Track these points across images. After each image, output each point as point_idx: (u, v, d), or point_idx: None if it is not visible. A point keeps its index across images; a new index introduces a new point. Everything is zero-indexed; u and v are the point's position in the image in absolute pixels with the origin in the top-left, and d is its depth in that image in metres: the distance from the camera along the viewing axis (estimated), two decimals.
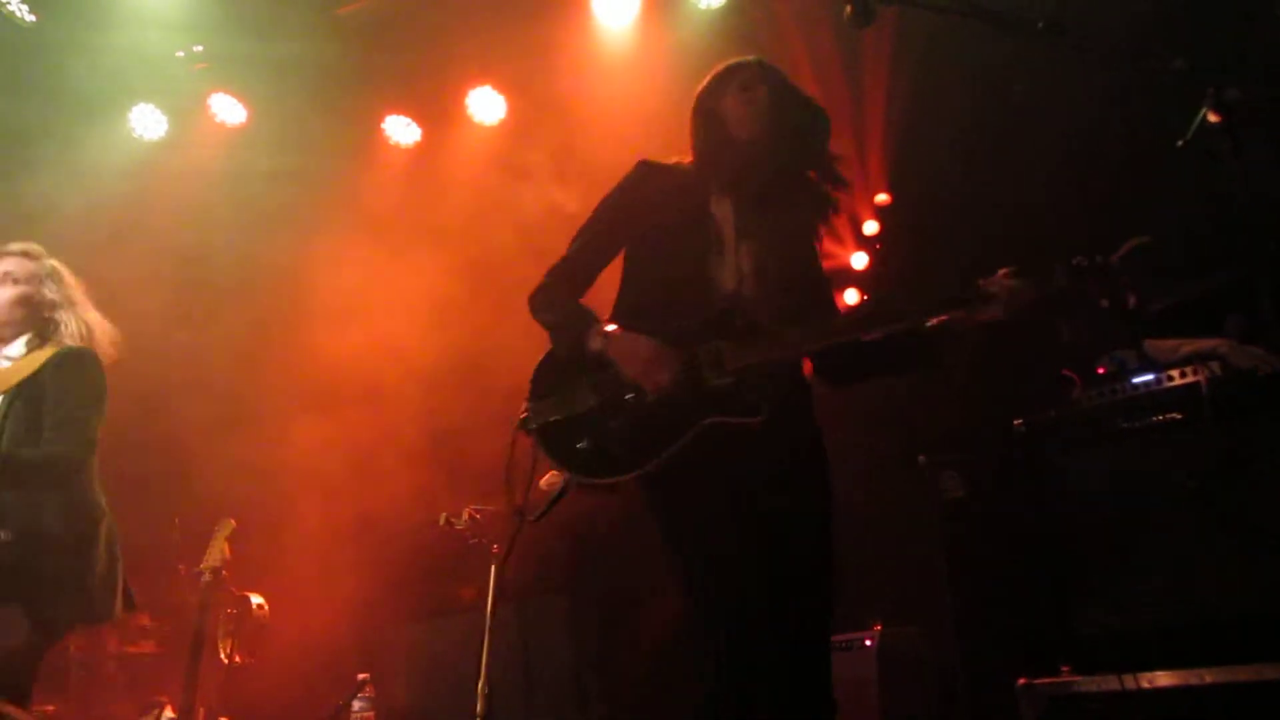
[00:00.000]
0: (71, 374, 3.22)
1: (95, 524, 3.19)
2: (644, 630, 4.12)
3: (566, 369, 2.61)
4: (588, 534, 4.23)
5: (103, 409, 3.25)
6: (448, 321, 5.10)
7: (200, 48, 5.77)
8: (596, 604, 4.17)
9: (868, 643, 4.17)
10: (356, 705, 4.20)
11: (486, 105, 5.94)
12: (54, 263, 3.43)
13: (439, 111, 5.98)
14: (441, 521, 4.20)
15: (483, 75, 5.86)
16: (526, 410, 2.66)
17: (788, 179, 2.66)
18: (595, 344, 2.54)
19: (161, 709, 4.48)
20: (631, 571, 4.22)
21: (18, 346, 3.30)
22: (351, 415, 5.05)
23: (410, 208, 5.66)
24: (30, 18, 5.35)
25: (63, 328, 3.32)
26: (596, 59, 5.55)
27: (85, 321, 3.38)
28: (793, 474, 2.53)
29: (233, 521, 4.72)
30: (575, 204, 5.31)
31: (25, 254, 3.40)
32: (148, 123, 5.99)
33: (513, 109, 5.90)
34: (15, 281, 3.33)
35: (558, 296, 2.70)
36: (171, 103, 5.95)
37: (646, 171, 2.73)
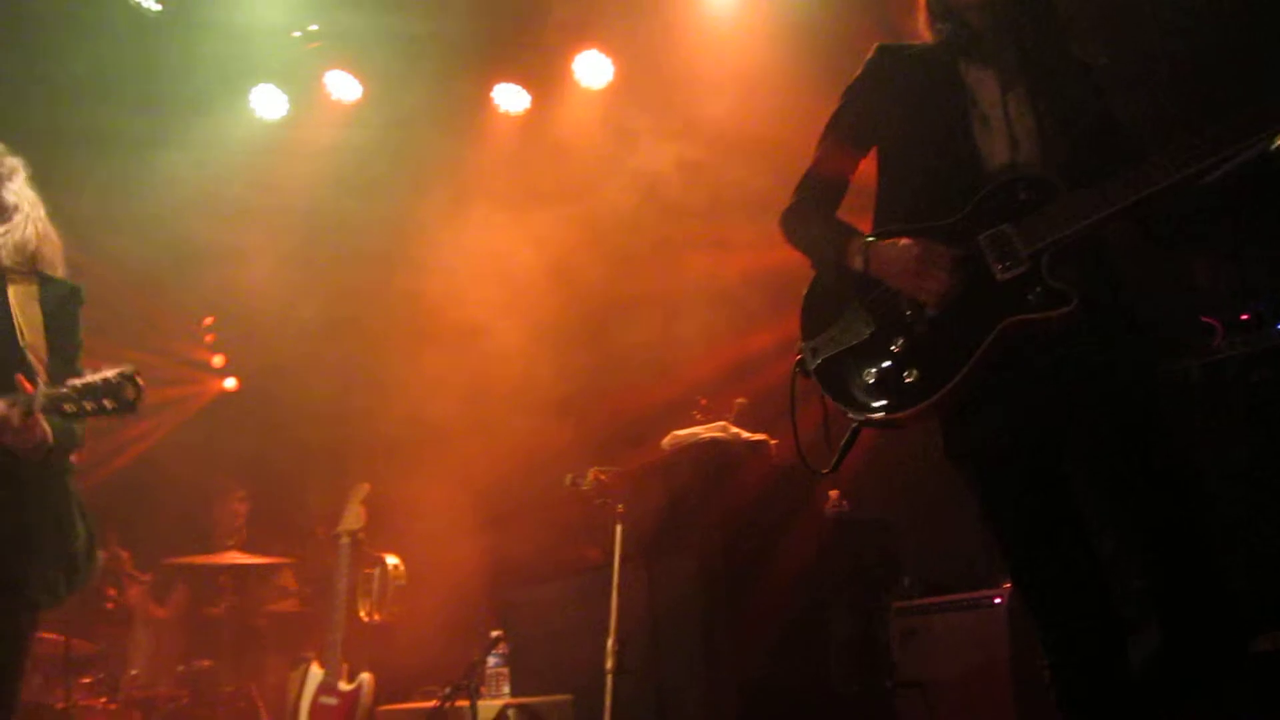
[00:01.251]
0: (76, 317, 2.85)
1: (67, 479, 2.82)
2: (773, 592, 4.14)
3: (835, 296, 2.30)
4: (714, 493, 4.25)
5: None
6: (569, 283, 5.14)
7: (315, 26, 5.91)
8: (725, 563, 4.19)
9: (997, 600, 4.11)
10: (491, 661, 4.33)
11: (593, 69, 5.95)
12: (15, 159, 2.97)
13: (547, 77, 6.02)
14: (567, 483, 4.27)
15: (588, 39, 5.87)
16: (801, 352, 2.34)
17: (1039, 15, 2.22)
18: (856, 262, 2.22)
19: (309, 664, 4.69)
20: (762, 532, 4.24)
21: None
22: (477, 379, 5.15)
23: (523, 173, 5.73)
24: (156, 6, 5.55)
25: (30, 232, 2.86)
26: (700, 17, 5.50)
27: (42, 234, 2.92)
28: (1117, 367, 2.11)
29: (367, 485, 4.89)
30: (684, 162, 5.32)
31: None
32: (268, 102, 6.18)
33: (619, 71, 5.90)
34: None
35: (808, 216, 2.40)
36: (290, 82, 6.12)
37: (885, 54, 2.37)
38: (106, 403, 2.47)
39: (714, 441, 4.41)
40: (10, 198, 2.87)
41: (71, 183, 3.10)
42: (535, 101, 6.15)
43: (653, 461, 4.51)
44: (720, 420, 4.51)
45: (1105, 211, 2.04)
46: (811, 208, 2.41)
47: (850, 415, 2.26)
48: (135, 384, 2.47)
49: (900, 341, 2.18)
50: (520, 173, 5.72)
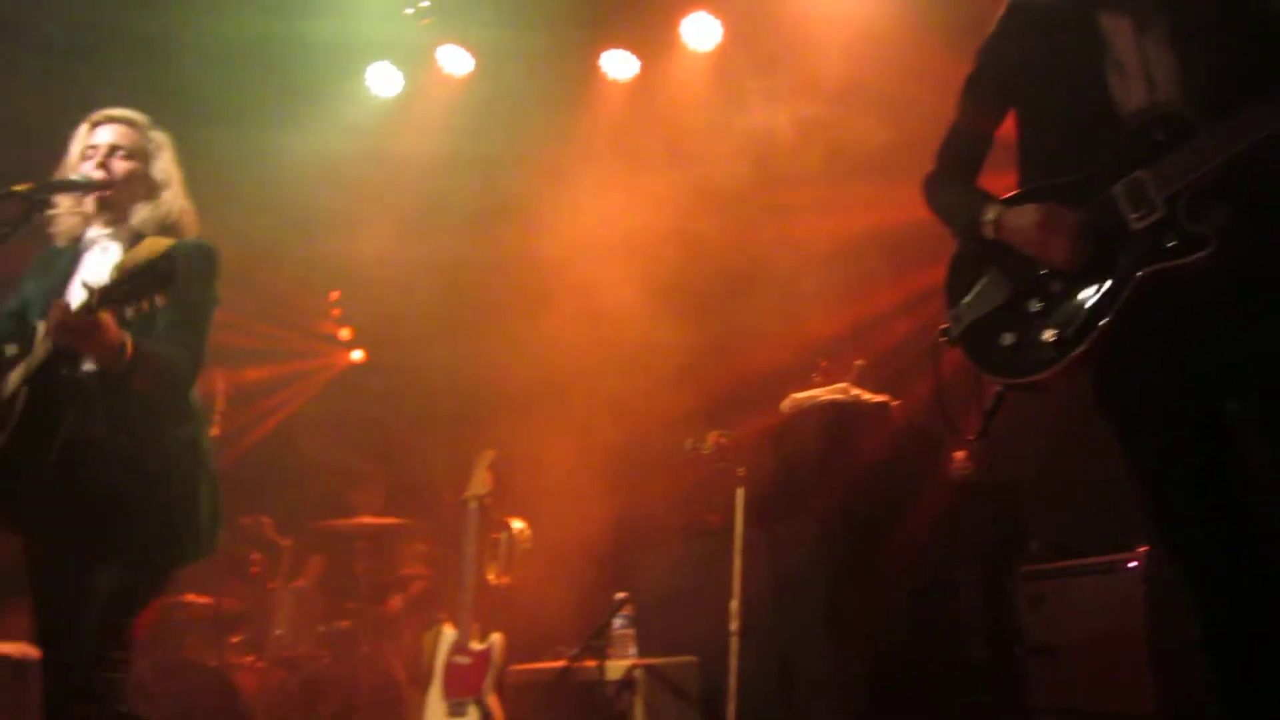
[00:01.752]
0: (196, 275, 2.82)
1: (198, 445, 2.85)
2: (898, 555, 4.12)
3: (974, 262, 2.32)
4: (835, 455, 4.23)
5: (211, 310, 2.90)
6: (685, 247, 5.12)
7: (426, 2, 6.01)
8: (848, 526, 4.18)
9: (1132, 564, 3.98)
10: (617, 623, 4.40)
11: (702, 31, 5.90)
12: (160, 133, 3.02)
13: (655, 42, 5.99)
14: (688, 447, 4.30)
15: (696, 1, 5.82)
16: (947, 321, 2.36)
17: None
18: (987, 230, 2.24)
19: (441, 625, 4.85)
20: (885, 495, 4.21)
21: (128, 234, 2.89)
22: (596, 345, 5.19)
23: (635, 139, 5.73)
24: None
25: (174, 208, 2.93)
26: None
27: (185, 202, 2.98)
28: (1266, 312, 2.01)
29: (493, 451, 5.01)
30: (799, 121, 5.24)
31: (129, 122, 2.98)
32: (383, 80, 6.31)
33: (728, 32, 5.84)
34: (125, 156, 2.92)
35: (946, 183, 2.42)
36: (404, 58, 6.24)
37: (1017, 11, 2.33)
38: (151, 281, 2.45)
39: (834, 404, 4.38)
40: (158, 174, 2.95)
41: (198, 157, 3.19)
42: (644, 67, 6.13)
43: (772, 425, 4.50)
44: (840, 382, 4.47)
45: (1249, 138, 1.94)
46: (951, 174, 2.41)
47: (994, 380, 2.26)
48: (170, 258, 2.48)
49: (1037, 303, 2.19)
50: (632, 139, 5.73)
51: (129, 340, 2.57)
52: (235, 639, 5.42)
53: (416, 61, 6.22)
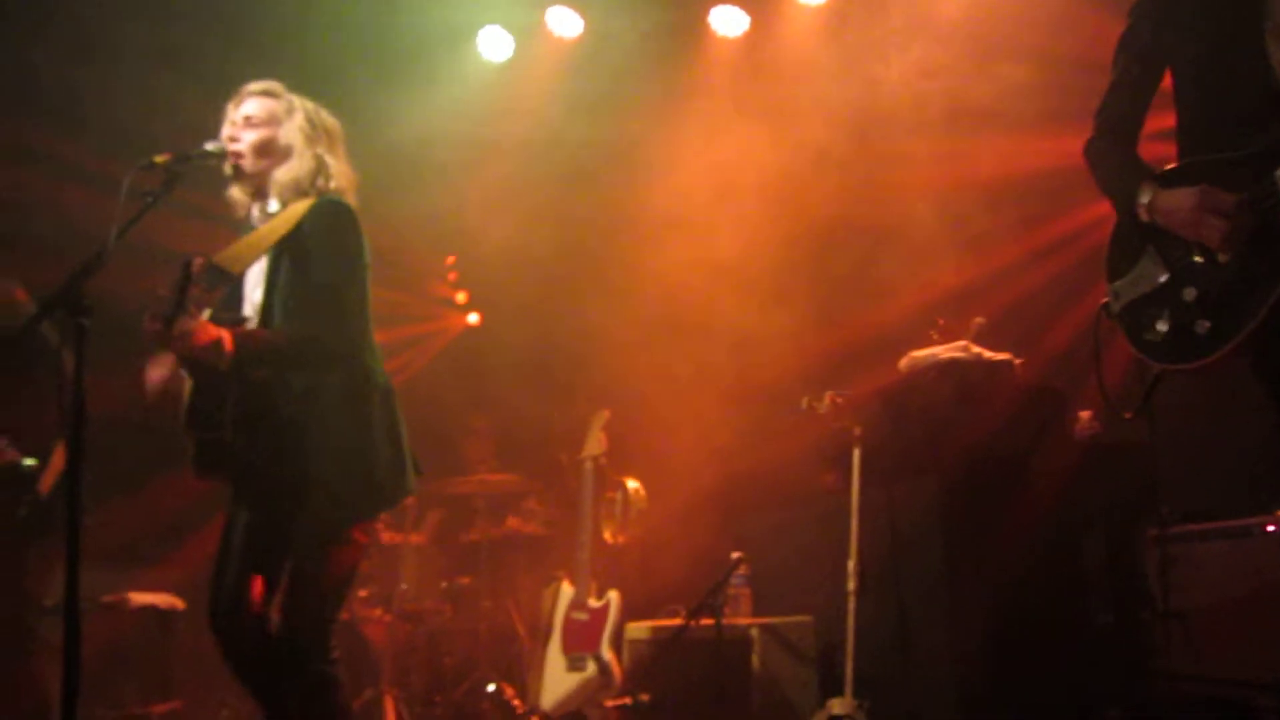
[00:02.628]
0: (324, 232, 2.88)
1: (370, 402, 2.92)
2: (1021, 516, 4.03)
3: (1134, 239, 2.29)
4: (955, 414, 4.15)
5: (359, 269, 2.93)
6: (801, 203, 5.03)
7: None
8: (968, 487, 4.10)
9: (1270, 528, 3.82)
10: (733, 582, 4.42)
11: None
12: (296, 99, 3.06)
13: None
14: (803, 406, 4.27)
15: None
16: (1109, 294, 2.34)
17: None
18: (1142, 213, 2.20)
19: (560, 582, 4.95)
20: (1007, 455, 4.12)
21: (274, 201, 2.99)
22: (711, 304, 5.17)
23: (747, 94, 5.65)
24: None
25: (301, 171, 2.96)
26: None
27: (327, 165, 3.01)
28: None
29: (607, 412, 5.07)
30: (915, 72, 5.10)
31: (265, 93, 3.04)
32: (494, 44, 6.37)
33: None
34: (256, 124, 2.98)
35: (1105, 153, 2.36)
36: (514, 22, 6.28)
37: None
38: (190, 292, 2.56)
39: (954, 362, 4.29)
40: (284, 139, 2.99)
41: None
42: (754, 23, 6.04)
43: (890, 383, 4.43)
44: (959, 340, 4.37)
45: None
46: (1109, 142, 2.36)
47: (1149, 362, 2.24)
48: (192, 262, 2.58)
49: (1191, 291, 2.16)
50: (743, 94, 5.65)
51: (225, 338, 2.65)
52: (364, 593, 5.62)
53: (526, 24, 6.25)
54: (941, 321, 4.46)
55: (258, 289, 2.93)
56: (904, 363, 4.43)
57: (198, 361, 2.72)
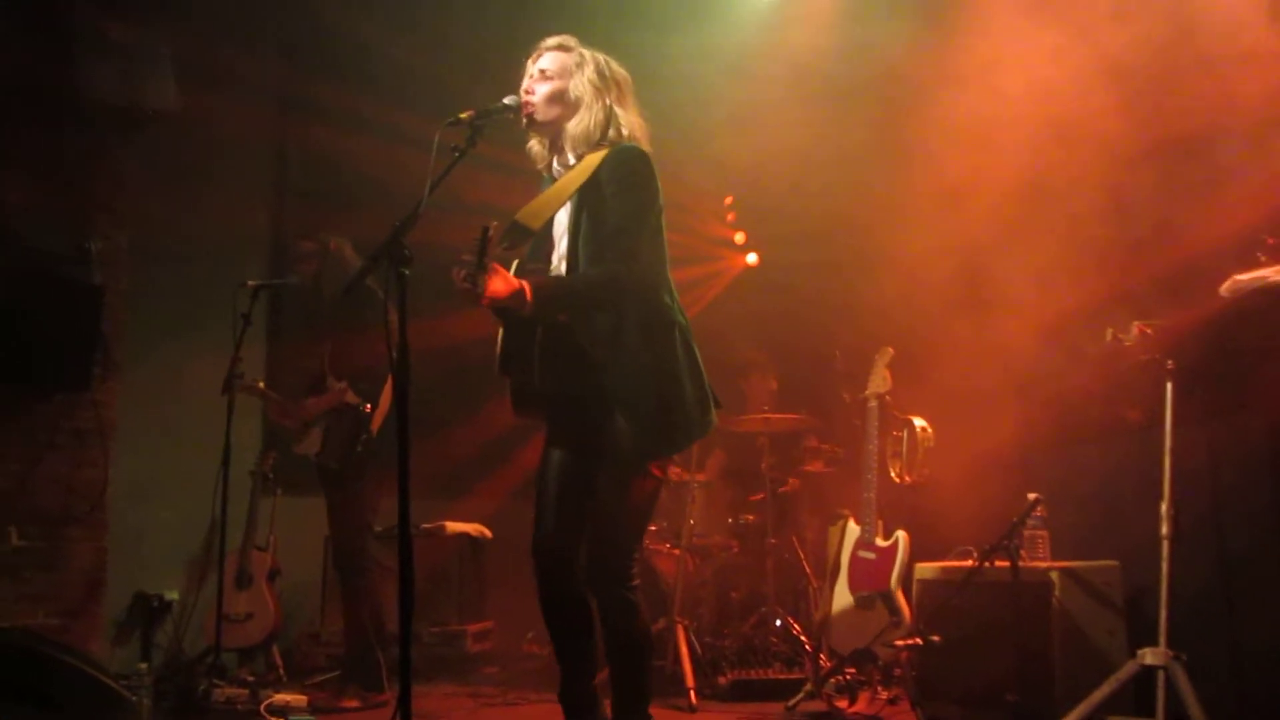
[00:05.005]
0: (618, 178, 2.96)
1: (672, 340, 3.00)
2: None
3: None
4: None
5: (653, 211, 3.02)
6: (1104, 114, 4.60)
7: None
8: None
9: None
10: (1030, 524, 4.23)
11: None
12: (589, 53, 3.15)
13: None
14: (1108, 338, 3.97)
15: None
16: None
17: None
18: None
19: (846, 520, 4.93)
20: None
21: (570, 155, 3.10)
22: (1007, 232, 4.86)
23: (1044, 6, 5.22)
24: None
25: (591, 123, 3.06)
26: None
27: (617, 116, 3.09)
28: None
29: (891, 349, 4.96)
30: None
31: (560, 47, 3.15)
32: None
33: None
34: (549, 77, 3.09)
35: None
36: None
37: None
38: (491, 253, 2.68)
39: None
40: (574, 90, 3.09)
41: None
42: None
43: (1209, 311, 4.04)
44: None
45: None
46: None
47: None
48: (488, 227, 2.68)
49: None
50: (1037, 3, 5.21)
51: (525, 287, 2.79)
52: (653, 527, 5.85)
53: None
54: (1270, 241, 4.00)
55: (563, 238, 3.07)
56: (1226, 287, 4.00)
57: (505, 310, 2.91)
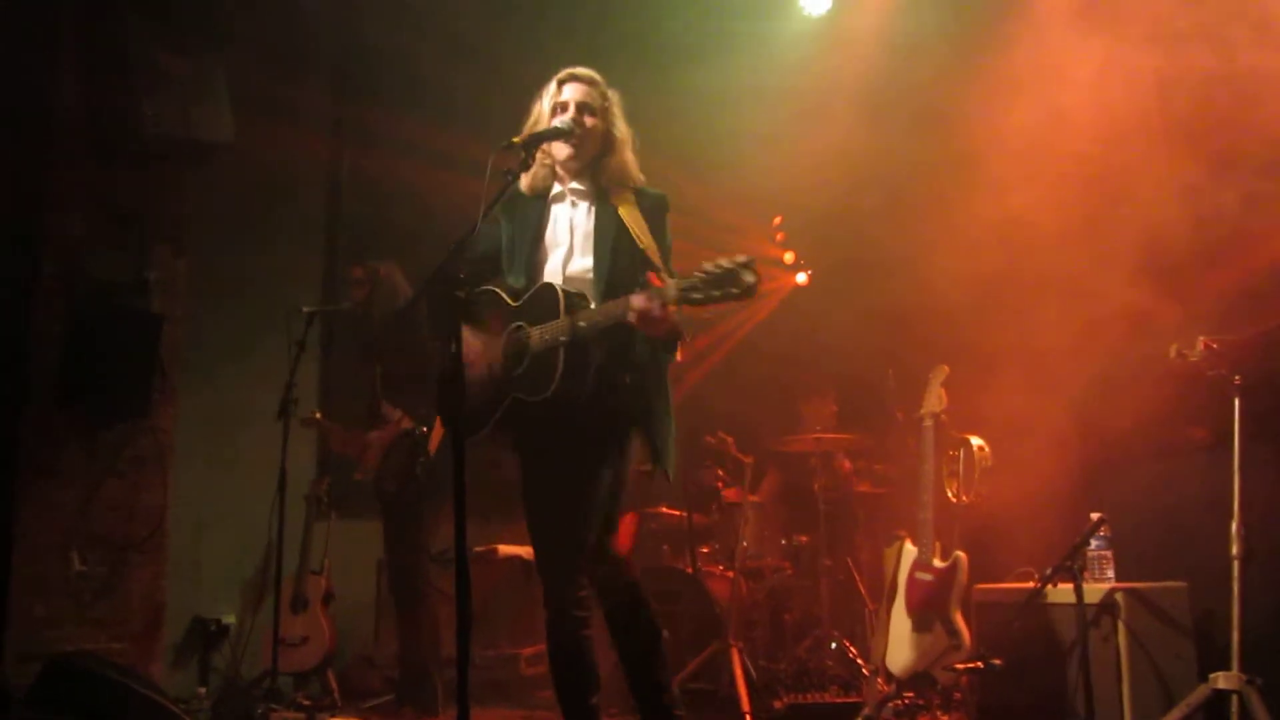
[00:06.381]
0: (663, 220, 3.21)
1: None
2: None
3: None
4: None
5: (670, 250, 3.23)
6: (1163, 117, 4.50)
7: None
8: None
9: None
10: (1093, 544, 4.14)
11: None
12: (614, 94, 3.28)
13: None
14: (1172, 354, 3.88)
15: None
16: None
17: None
18: None
19: (902, 541, 4.85)
20: None
21: (585, 183, 3.24)
22: (1061, 244, 4.76)
23: (1091, 15, 5.13)
24: None
25: (630, 163, 3.23)
26: None
27: (631, 160, 3.27)
28: None
29: (946, 368, 4.88)
30: None
31: (591, 81, 3.24)
32: None
33: None
34: (594, 112, 3.19)
35: None
36: None
37: None
38: (732, 289, 2.64)
39: None
40: (618, 132, 3.24)
41: (644, 96, 3.44)
42: None
43: (1276, 325, 3.93)
44: None
45: None
46: None
47: None
48: (753, 270, 2.64)
49: None
50: (1088, 15, 5.12)
51: (680, 325, 2.96)
52: (705, 549, 5.81)
53: None
54: None
55: (575, 256, 3.18)
56: None
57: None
